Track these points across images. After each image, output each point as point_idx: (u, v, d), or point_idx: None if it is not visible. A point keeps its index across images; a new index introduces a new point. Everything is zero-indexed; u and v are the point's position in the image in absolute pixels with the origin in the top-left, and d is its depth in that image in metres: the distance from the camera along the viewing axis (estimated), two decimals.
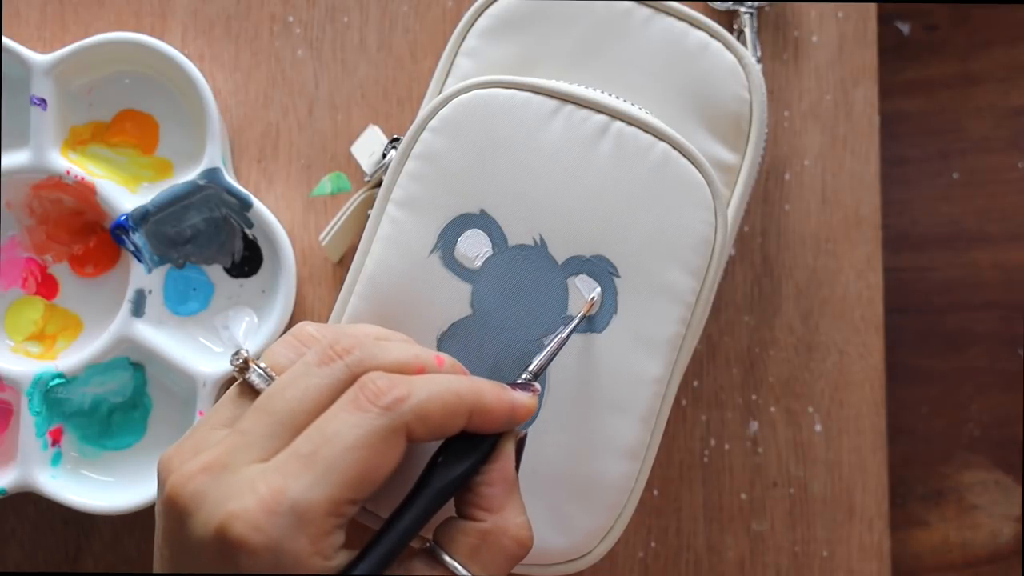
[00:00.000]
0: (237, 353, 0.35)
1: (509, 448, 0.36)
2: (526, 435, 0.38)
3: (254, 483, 0.31)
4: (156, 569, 0.33)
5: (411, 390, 0.33)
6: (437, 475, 0.34)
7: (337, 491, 0.31)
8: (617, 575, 0.49)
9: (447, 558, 0.34)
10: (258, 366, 0.35)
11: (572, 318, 0.39)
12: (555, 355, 0.38)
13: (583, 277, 0.41)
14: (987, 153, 0.59)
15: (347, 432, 0.31)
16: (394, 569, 0.33)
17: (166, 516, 0.32)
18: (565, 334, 0.39)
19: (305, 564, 0.30)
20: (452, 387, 0.34)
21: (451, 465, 0.35)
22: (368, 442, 0.31)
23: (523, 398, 0.36)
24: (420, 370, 0.35)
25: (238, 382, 0.35)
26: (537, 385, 0.37)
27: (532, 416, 0.37)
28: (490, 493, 0.35)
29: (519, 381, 0.37)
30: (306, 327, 0.36)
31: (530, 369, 0.38)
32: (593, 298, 0.40)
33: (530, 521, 0.36)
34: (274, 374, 0.34)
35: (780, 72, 0.50)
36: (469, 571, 0.33)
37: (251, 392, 0.35)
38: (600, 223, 0.41)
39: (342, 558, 0.32)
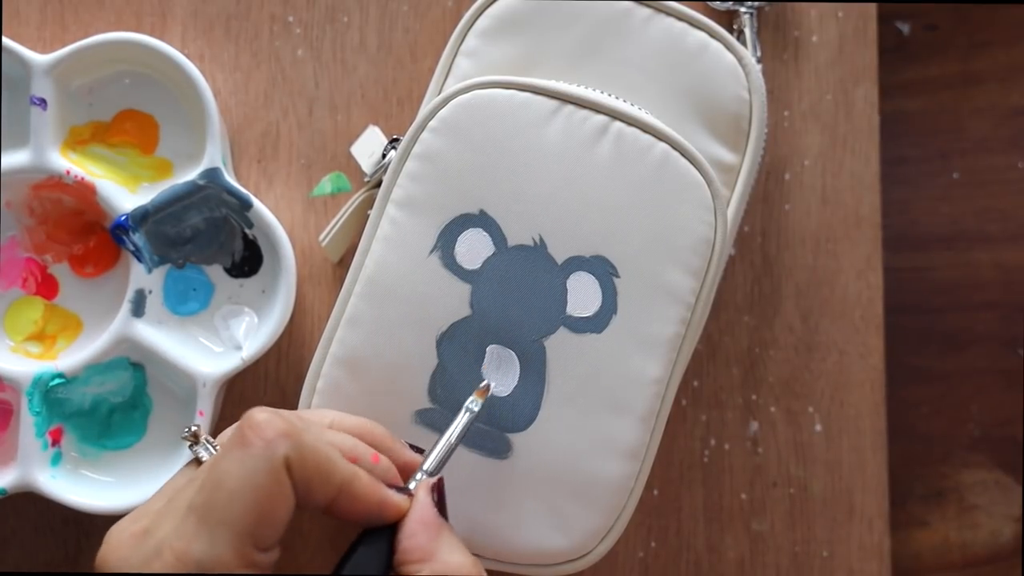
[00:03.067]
0: (189, 428, 0.37)
1: (422, 495, 0.36)
2: (442, 479, 0.37)
3: (160, 549, 0.32)
4: None
5: (295, 430, 0.33)
6: (349, 563, 0.35)
7: (237, 541, 0.31)
8: (617, 575, 0.49)
9: None
10: (208, 440, 0.37)
11: (469, 410, 0.39)
12: (452, 451, 0.38)
13: (583, 276, 0.41)
14: (987, 153, 0.59)
15: (234, 471, 0.32)
16: None
17: None
18: (459, 427, 0.38)
19: None
20: (335, 453, 0.34)
21: (367, 545, 0.35)
22: (254, 483, 0.32)
23: (395, 499, 0.35)
24: (353, 460, 0.35)
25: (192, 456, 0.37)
26: (413, 494, 0.36)
27: (443, 460, 0.37)
28: (414, 544, 0.35)
29: (414, 479, 0.37)
30: (255, 414, 0.35)
31: (424, 468, 0.37)
32: (488, 384, 0.40)
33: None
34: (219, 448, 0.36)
35: (780, 72, 0.50)
36: None
37: (198, 464, 0.37)
38: (600, 223, 0.41)
39: None
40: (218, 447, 0.36)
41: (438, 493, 0.36)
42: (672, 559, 0.49)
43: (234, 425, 0.36)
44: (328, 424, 0.38)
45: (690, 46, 0.44)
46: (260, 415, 0.33)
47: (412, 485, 0.37)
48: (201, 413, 0.45)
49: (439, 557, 0.34)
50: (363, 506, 0.35)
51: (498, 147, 0.41)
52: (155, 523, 0.33)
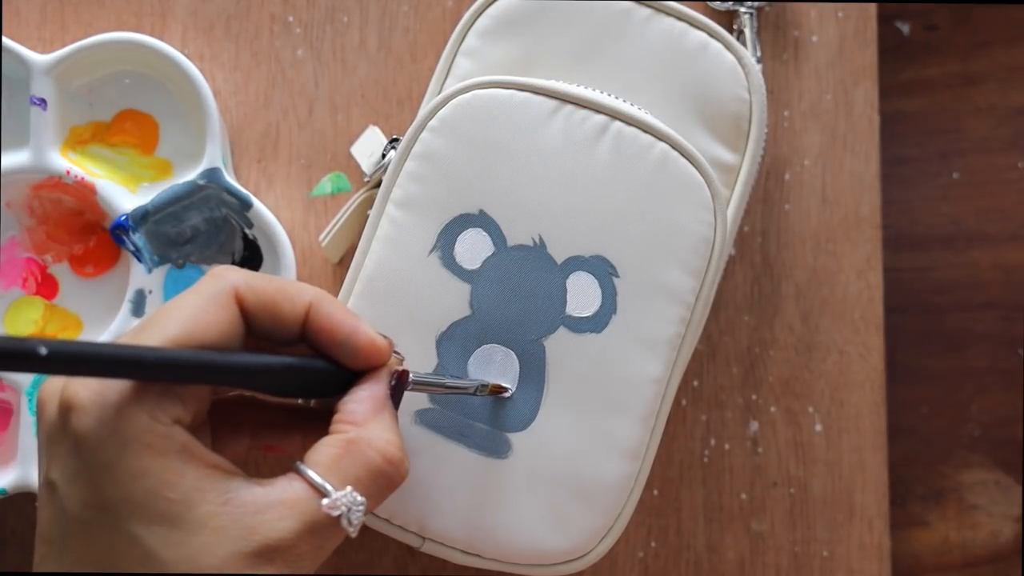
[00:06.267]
0: None
1: (382, 374, 0.35)
2: (408, 372, 0.36)
3: None
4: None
5: (252, 273, 0.34)
6: (246, 355, 0.33)
7: (168, 339, 0.31)
8: (617, 575, 0.49)
9: (304, 468, 0.32)
10: None
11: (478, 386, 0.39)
12: (434, 387, 0.38)
13: (582, 276, 0.41)
14: (987, 153, 0.59)
15: (184, 299, 0.33)
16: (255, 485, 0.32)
17: (39, 420, 0.33)
18: (460, 383, 0.39)
19: (129, 419, 0.30)
20: (297, 283, 0.35)
21: (284, 363, 0.34)
22: (189, 302, 0.32)
23: (369, 331, 0.35)
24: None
25: None
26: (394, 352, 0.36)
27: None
28: (356, 408, 0.34)
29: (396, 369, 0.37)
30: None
31: (401, 359, 0.37)
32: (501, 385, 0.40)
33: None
34: None
35: (780, 72, 0.50)
36: (328, 481, 0.32)
37: None
38: (599, 223, 0.41)
39: (179, 435, 0.31)
40: None
41: (397, 382, 0.36)
42: (672, 559, 0.49)
43: None
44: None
45: (690, 46, 0.44)
46: (218, 267, 0.34)
47: None
48: None
49: (371, 427, 0.34)
50: (338, 322, 0.34)
51: (498, 147, 0.41)
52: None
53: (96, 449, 0.30)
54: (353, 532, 0.33)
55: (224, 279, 0.33)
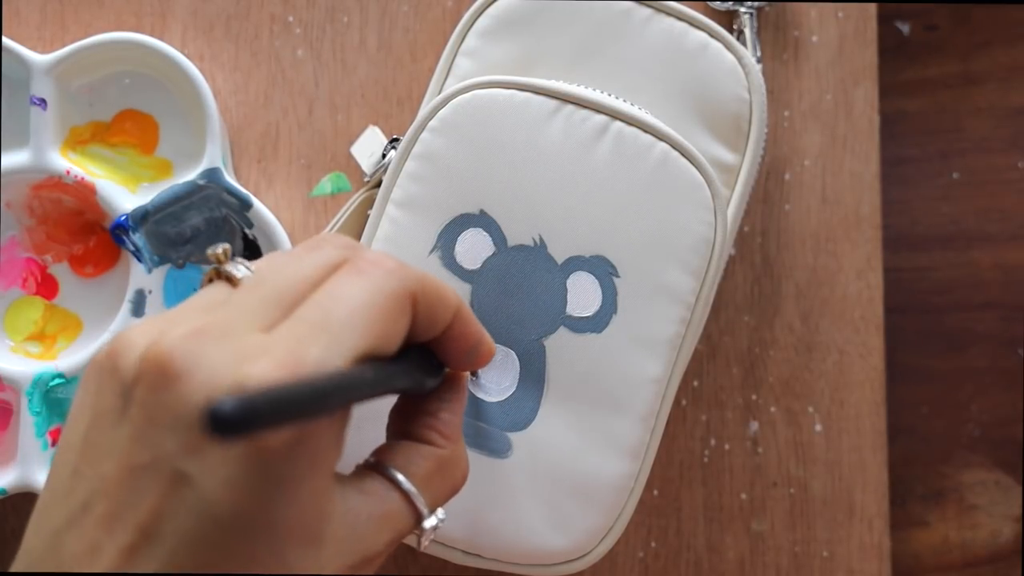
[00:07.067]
0: (218, 246, 0.31)
1: (464, 382, 0.35)
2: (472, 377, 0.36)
3: (267, 346, 0.26)
4: (82, 463, 0.27)
5: (409, 267, 0.31)
6: (397, 364, 0.31)
7: (359, 353, 0.28)
8: (617, 575, 0.49)
9: (402, 478, 0.31)
10: (238, 259, 0.31)
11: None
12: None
13: (583, 276, 0.41)
14: (987, 153, 0.59)
15: (357, 293, 0.28)
16: (342, 481, 0.30)
17: (137, 384, 0.26)
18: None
19: (322, 440, 0.27)
20: (445, 283, 0.32)
21: (412, 363, 0.32)
22: (379, 302, 0.29)
23: (491, 340, 0.35)
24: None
25: (210, 279, 0.31)
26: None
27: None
28: (452, 421, 0.33)
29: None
30: (363, 249, 0.32)
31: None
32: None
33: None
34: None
35: (780, 72, 0.50)
36: (423, 496, 0.31)
37: (230, 283, 0.30)
38: (600, 223, 0.41)
39: (337, 452, 0.29)
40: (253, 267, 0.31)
41: None
42: (672, 559, 0.49)
43: (300, 245, 0.32)
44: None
45: (690, 46, 0.44)
46: (369, 251, 0.31)
47: None
48: None
49: (460, 447, 0.33)
50: (474, 330, 0.33)
51: (498, 147, 0.41)
52: (228, 323, 0.27)
53: (285, 468, 0.26)
54: (425, 548, 0.33)
55: (401, 279, 0.30)
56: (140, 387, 0.26)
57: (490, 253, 0.41)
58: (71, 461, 0.28)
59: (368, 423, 0.35)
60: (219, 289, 0.30)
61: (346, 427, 0.29)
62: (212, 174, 0.46)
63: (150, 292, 0.46)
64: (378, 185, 0.43)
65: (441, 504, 0.32)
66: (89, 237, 0.48)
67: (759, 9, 0.49)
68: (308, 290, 0.29)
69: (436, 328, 0.32)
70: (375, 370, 0.29)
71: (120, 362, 0.27)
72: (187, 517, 0.26)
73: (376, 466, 0.31)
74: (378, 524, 0.30)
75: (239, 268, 0.30)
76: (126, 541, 0.26)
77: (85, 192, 0.46)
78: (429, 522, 0.31)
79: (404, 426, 0.34)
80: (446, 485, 0.33)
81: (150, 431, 0.26)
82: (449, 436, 0.33)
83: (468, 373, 0.36)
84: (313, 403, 0.25)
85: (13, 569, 0.28)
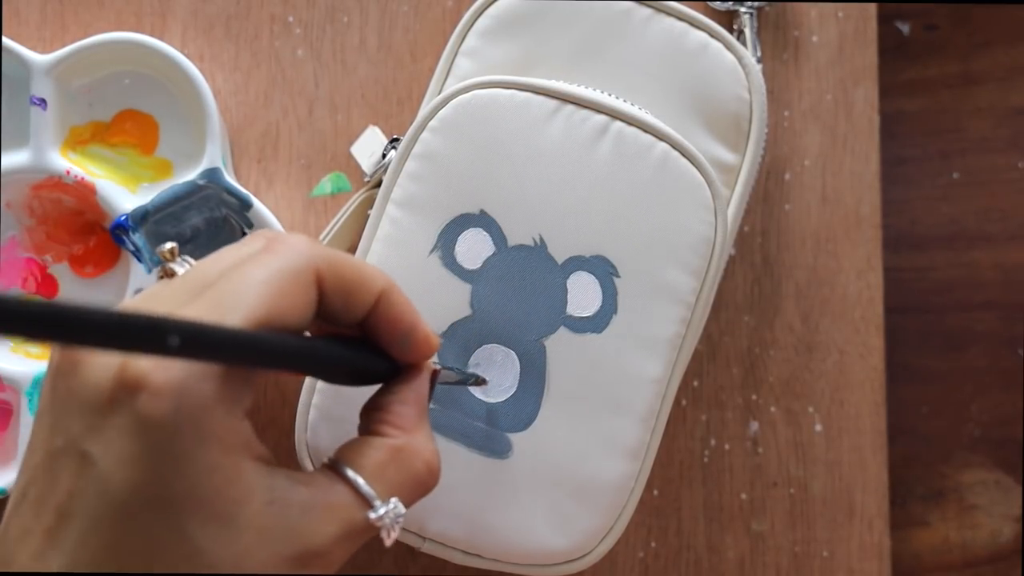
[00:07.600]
0: (164, 244, 0.33)
1: (424, 373, 0.34)
2: (440, 371, 0.35)
3: None
4: (25, 456, 0.30)
5: (326, 248, 0.31)
6: (318, 340, 0.31)
7: (251, 324, 0.28)
8: (617, 575, 0.49)
9: (350, 472, 0.31)
10: (185, 258, 0.33)
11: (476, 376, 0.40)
12: (443, 382, 0.37)
13: (583, 276, 0.41)
14: (987, 153, 0.59)
15: (256, 271, 0.29)
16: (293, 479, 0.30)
17: (54, 375, 0.29)
18: (461, 377, 0.39)
19: (210, 412, 0.28)
20: (371, 266, 0.33)
21: (344, 345, 0.32)
22: (275, 277, 0.29)
23: (428, 329, 0.34)
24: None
25: (159, 277, 0.33)
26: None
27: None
28: (405, 412, 0.33)
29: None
30: (283, 233, 0.33)
31: (435, 360, 0.36)
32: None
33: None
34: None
35: (780, 72, 0.50)
36: (372, 488, 0.31)
37: (171, 279, 0.32)
38: (600, 223, 0.41)
39: (246, 429, 0.29)
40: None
41: (431, 383, 0.35)
42: (672, 559, 0.49)
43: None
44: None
45: (690, 46, 0.44)
46: (290, 236, 0.31)
47: None
48: None
49: (418, 436, 0.33)
50: (403, 315, 0.33)
51: (498, 147, 0.41)
52: (145, 303, 0.29)
53: (169, 439, 0.27)
54: (390, 543, 0.32)
55: (305, 255, 0.30)
56: (57, 377, 0.29)
57: (490, 253, 0.41)
58: (25, 458, 0.30)
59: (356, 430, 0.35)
60: (159, 284, 0.32)
61: (242, 405, 0.29)
62: (212, 174, 0.46)
63: None
64: (378, 185, 0.43)
65: (404, 495, 0.32)
66: (89, 237, 0.48)
67: (759, 9, 0.49)
68: (222, 276, 0.30)
69: (356, 308, 0.32)
70: (281, 338, 0.29)
71: (52, 358, 0.30)
72: (92, 496, 0.28)
73: (327, 462, 0.32)
74: (320, 515, 0.30)
75: (183, 265, 0.33)
76: (48, 523, 0.28)
77: (85, 192, 0.46)
78: (379, 510, 0.31)
79: (363, 423, 0.34)
80: (403, 474, 0.32)
81: (63, 417, 0.28)
82: (401, 426, 0.33)
83: (433, 366, 0.35)
84: (205, 338, 0.25)
85: None
